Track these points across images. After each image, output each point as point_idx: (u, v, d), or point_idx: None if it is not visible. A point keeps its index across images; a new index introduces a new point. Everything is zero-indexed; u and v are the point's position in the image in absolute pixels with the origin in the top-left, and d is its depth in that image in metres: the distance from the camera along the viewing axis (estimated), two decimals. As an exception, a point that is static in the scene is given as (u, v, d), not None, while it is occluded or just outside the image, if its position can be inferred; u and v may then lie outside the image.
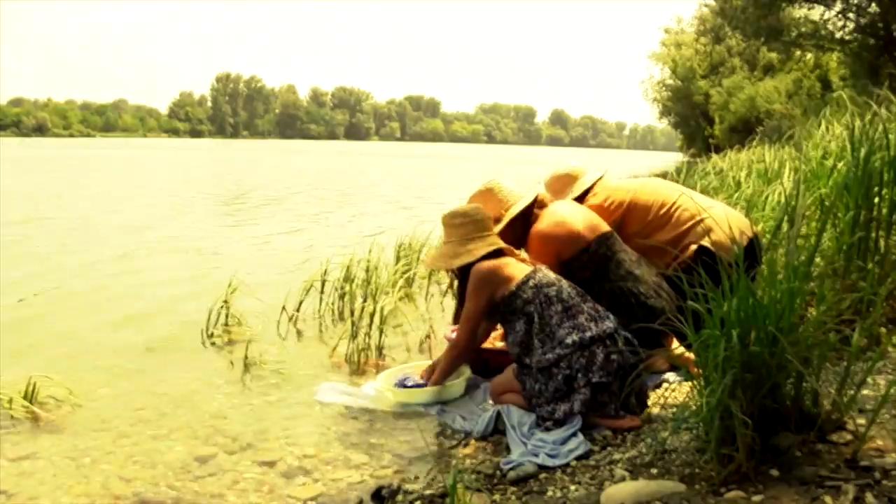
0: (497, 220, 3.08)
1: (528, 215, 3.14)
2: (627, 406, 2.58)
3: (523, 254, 3.08)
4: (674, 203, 3.36)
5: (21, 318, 4.61)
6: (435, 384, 2.98)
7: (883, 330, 2.57)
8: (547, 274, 2.78)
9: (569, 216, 3.10)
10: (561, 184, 3.60)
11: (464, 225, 2.94)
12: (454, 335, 3.36)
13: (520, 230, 3.14)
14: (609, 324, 2.64)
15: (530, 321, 2.68)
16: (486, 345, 3.24)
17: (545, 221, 3.10)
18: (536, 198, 3.20)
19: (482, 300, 2.82)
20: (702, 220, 3.23)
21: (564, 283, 2.77)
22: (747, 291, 1.73)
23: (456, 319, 3.17)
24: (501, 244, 2.94)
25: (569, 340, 2.58)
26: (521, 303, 2.71)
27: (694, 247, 3.16)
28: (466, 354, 2.99)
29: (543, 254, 3.04)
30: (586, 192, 3.55)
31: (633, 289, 2.94)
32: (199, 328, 4.15)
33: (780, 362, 1.70)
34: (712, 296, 1.80)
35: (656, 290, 2.95)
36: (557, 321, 2.63)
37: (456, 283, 3.05)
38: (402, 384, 3.10)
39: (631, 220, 3.40)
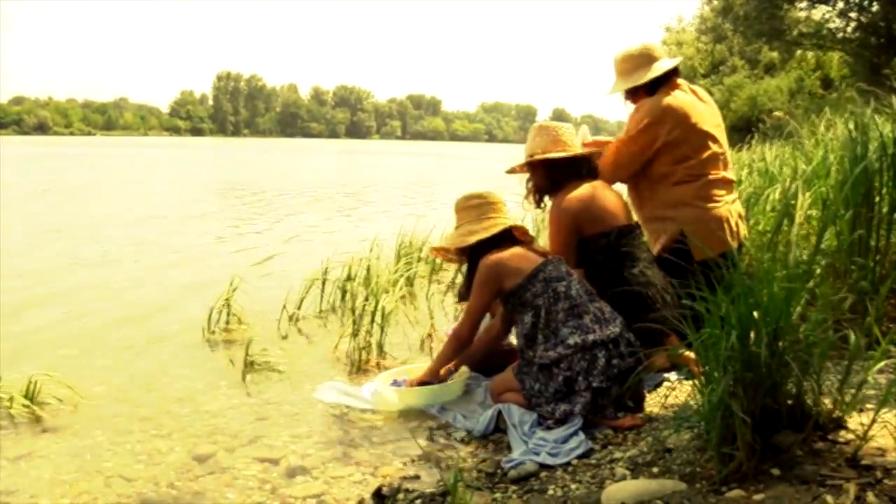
0: (531, 157, 3.08)
1: (558, 169, 3.06)
2: (625, 406, 2.58)
3: (541, 239, 3.06)
4: (704, 171, 3.16)
5: (21, 316, 4.61)
6: (432, 371, 2.97)
7: (884, 328, 2.56)
8: (558, 266, 2.77)
9: (599, 196, 3.03)
10: (632, 65, 3.24)
11: (479, 206, 2.96)
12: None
13: (543, 179, 3.10)
14: (613, 328, 2.62)
15: (537, 314, 2.67)
16: None
17: (574, 195, 3.01)
18: (579, 160, 3.10)
19: (487, 294, 2.82)
20: (703, 207, 3.13)
21: (575, 279, 2.75)
22: (746, 291, 1.72)
23: (461, 298, 3.16)
24: (516, 223, 2.95)
25: (571, 341, 2.57)
26: (531, 296, 2.70)
27: (674, 230, 3.12)
28: (467, 345, 2.97)
29: (564, 227, 2.99)
30: (660, 80, 3.19)
31: (642, 293, 2.88)
32: (201, 326, 4.15)
33: (780, 361, 1.70)
34: (712, 298, 1.79)
35: (663, 295, 2.92)
36: (563, 318, 2.63)
37: (458, 279, 3.04)
38: (395, 384, 3.08)
39: (663, 157, 3.15)
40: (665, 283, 2.95)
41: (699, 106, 3.25)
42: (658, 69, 3.20)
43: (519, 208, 3.41)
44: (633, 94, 3.31)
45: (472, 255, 2.93)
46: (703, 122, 3.20)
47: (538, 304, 2.68)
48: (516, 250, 2.84)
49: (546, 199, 3.17)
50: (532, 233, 3.35)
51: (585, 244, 2.98)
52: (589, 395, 2.50)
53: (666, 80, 3.23)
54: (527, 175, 3.22)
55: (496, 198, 3.00)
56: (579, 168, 3.10)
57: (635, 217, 3.27)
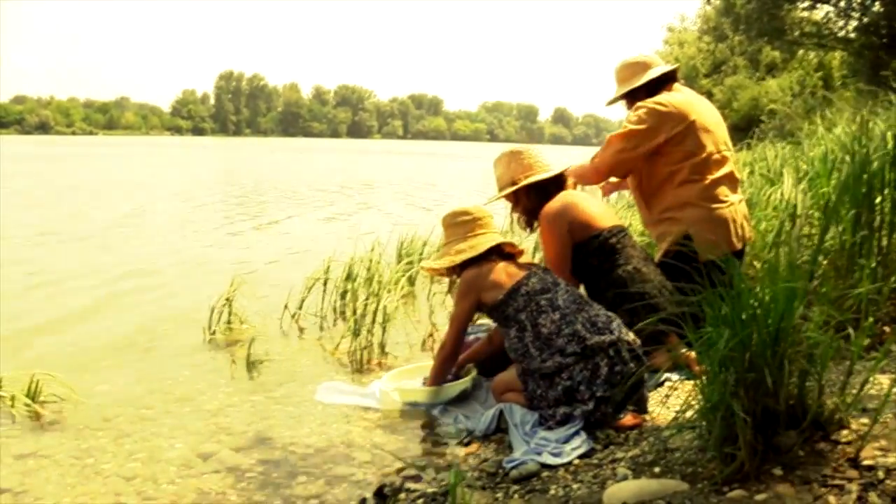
0: (514, 183, 3.08)
1: (546, 189, 3.08)
2: (625, 407, 2.56)
3: (528, 251, 3.07)
4: (708, 169, 3.16)
5: (22, 316, 4.62)
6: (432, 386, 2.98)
7: (886, 329, 2.56)
8: (543, 278, 2.76)
9: (582, 201, 3.07)
10: (630, 72, 3.36)
11: (465, 223, 2.95)
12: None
13: (534, 201, 3.09)
14: (610, 336, 2.57)
15: (522, 329, 2.66)
16: None
17: (559, 202, 3.03)
18: (562, 176, 3.14)
19: (466, 306, 2.85)
20: (708, 208, 3.13)
21: (562, 288, 2.73)
22: (746, 291, 1.72)
23: None
24: (503, 240, 2.95)
25: (570, 349, 2.54)
26: (513, 311, 2.70)
27: (679, 231, 3.12)
28: (454, 357, 2.99)
29: (557, 233, 2.99)
30: (657, 83, 3.28)
31: (640, 289, 2.88)
32: (202, 326, 4.16)
33: (781, 361, 1.70)
34: (712, 297, 1.79)
35: (660, 290, 2.92)
36: (554, 330, 2.60)
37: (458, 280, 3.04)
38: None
39: (667, 155, 3.18)
40: (662, 280, 2.96)
41: (697, 105, 3.28)
42: (654, 73, 3.30)
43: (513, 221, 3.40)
44: (633, 98, 3.36)
45: (461, 271, 2.94)
46: (703, 119, 3.23)
47: (521, 320, 2.67)
48: (498, 265, 2.83)
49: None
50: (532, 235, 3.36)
51: (578, 250, 2.99)
52: (592, 405, 2.48)
53: (663, 85, 3.31)
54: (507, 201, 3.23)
55: (483, 212, 3.00)
56: (562, 184, 3.14)
57: (639, 221, 3.27)
